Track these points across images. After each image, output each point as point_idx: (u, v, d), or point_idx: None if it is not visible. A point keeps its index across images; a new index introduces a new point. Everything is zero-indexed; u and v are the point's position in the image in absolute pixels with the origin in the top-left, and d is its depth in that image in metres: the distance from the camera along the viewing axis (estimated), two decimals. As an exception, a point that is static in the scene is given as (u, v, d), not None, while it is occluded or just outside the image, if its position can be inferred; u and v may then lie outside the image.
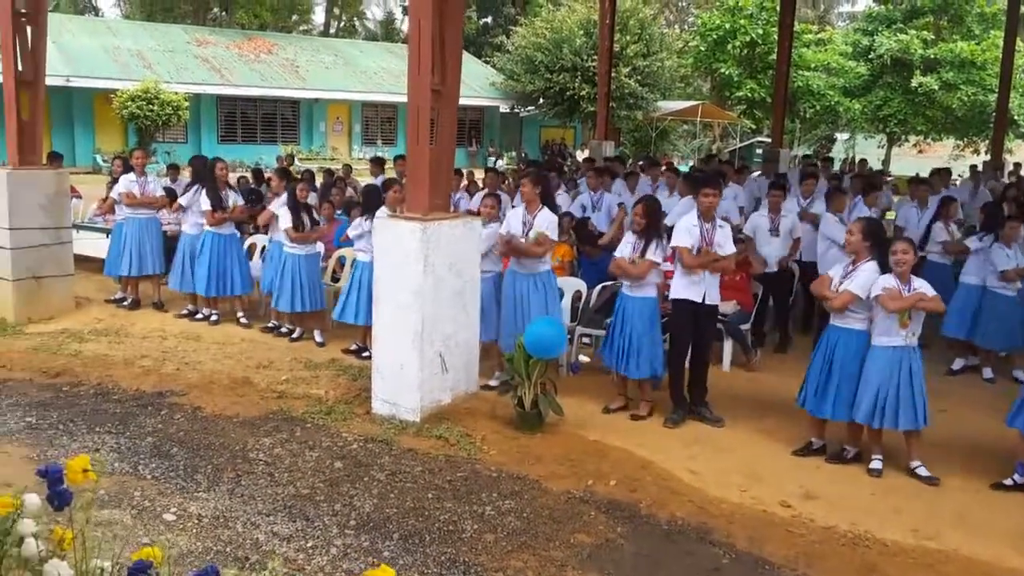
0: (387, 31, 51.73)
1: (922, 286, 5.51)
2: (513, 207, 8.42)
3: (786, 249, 8.49)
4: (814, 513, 4.98)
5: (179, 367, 7.33)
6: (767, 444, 6.07)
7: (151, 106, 26.00)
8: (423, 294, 6.05)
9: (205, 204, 8.55)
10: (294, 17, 46.96)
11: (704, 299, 6.33)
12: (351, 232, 7.91)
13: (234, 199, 8.88)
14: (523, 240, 6.82)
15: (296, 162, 25.04)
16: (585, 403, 6.70)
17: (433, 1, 6.07)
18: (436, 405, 6.28)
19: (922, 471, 5.52)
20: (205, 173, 8.73)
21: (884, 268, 5.55)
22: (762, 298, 8.33)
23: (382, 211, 7.35)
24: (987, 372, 7.88)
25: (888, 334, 5.48)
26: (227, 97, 30.71)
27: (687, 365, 6.50)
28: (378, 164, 12.33)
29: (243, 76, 30.94)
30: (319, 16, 50.66)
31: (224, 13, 43.65)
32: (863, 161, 19.32)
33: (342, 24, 50.81)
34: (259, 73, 31.58)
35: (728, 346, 7.77)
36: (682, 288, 6.35)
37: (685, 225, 6.41)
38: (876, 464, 5.61)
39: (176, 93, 26.90)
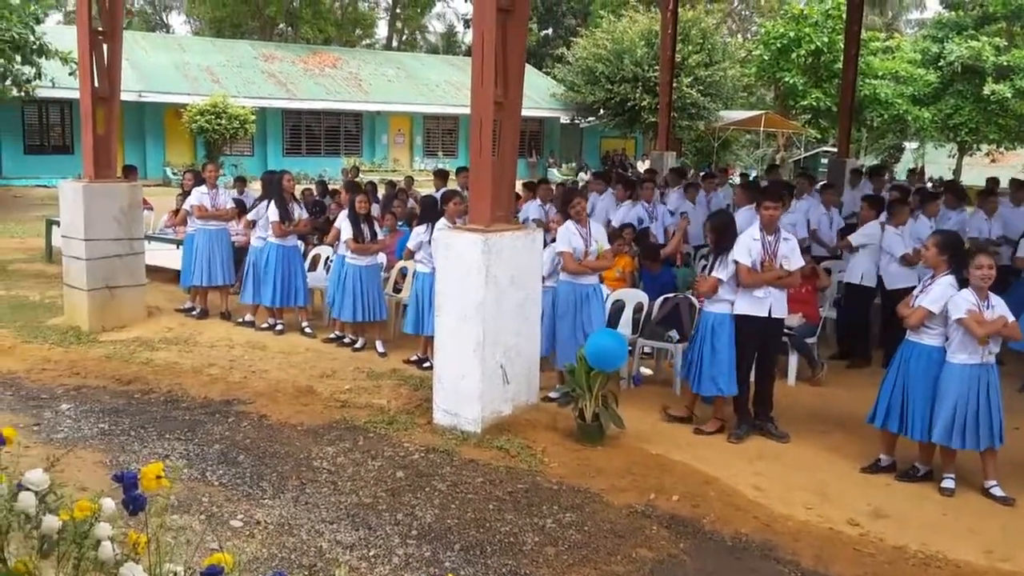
0: (448, 44, 52.28)
1: (999, 305, 5.33)
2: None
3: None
4: (883, 532, 4.85)
5: (246, 376, 7.47)
6: (834, 461, 5.93)
7: (219, 120, 26.69)
8: (484, 305, 6.07)
9: (273, 215, 8.72)
10: (358, 32, 47.70)
11: (770, 313, 6.22)
12: (410, 243, 7.99)
13: (299, 212, 9.04)
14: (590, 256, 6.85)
15: (359, 174, 25.42)
16: (646, 416, 6.64)
17: (497, 14, 6.12)
18: (497, 416, 6.28)
19: (997, 491, 5.34)
20: (273, 186, 8.91)
21: (961, 282, 5.38)
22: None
23: (441, 223, 7.41)
24: None
25: (966, 351, 5.31)
26: (292, 110, 31.33)
27: (752, 380, 6.39)
28: (441, 177, 12.31)
29: (308, 90, 31.55)
30: (382, 30, 51.41)
31: (290, 29, 44.59)
32: (913, 171, 18.56)
33: (404, 38, 51.48)
34: (323, 87, 32.16)
35: (794, 360, 7.62)
36: (746, 304, 6.24)
37: (745, 240, 6.30)
38: (948, 483, 5.44)
39: (243, 107, 27.56)
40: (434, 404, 6.42)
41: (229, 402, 6.76)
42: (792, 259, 6.28)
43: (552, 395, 6.96)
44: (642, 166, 27.31)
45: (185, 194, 9.85)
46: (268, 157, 30.50)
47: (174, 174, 25.56)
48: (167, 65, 30.18)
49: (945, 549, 4.66)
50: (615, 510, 5.02)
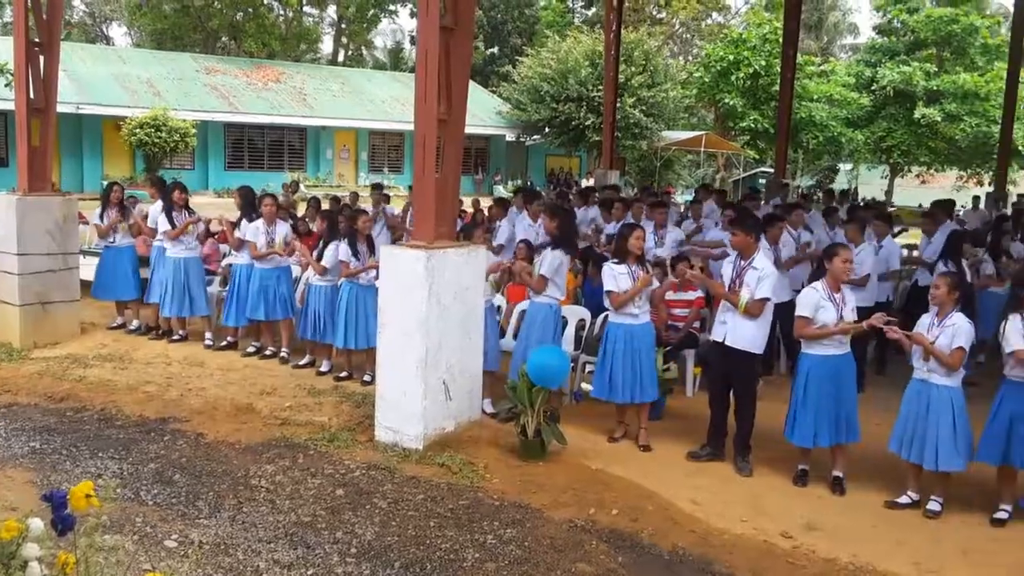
0: (395, 60, 52.20)
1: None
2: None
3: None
4: (816, 545, 4.97)
5: (182, 393, 7.35)
6: (769, 474, 6.05)
7: (159, 133, 26.25)
8: (427, 322, 6.08)
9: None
10: (302, 46, 47.33)
11: (724, 339, 6.16)
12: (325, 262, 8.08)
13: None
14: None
15: (302, 188, 25.22)
16: (588, 432, 6.70)
17: (440, 32, 6.17)
18: (439, 433, 6.28)
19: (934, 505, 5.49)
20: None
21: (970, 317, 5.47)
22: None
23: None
24: None
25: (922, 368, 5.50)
26: (235, 124, 30.96)
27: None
28: (379, 190, 12.45)
29: (251, 104, 31.21)
30: (327, 45, 51.16)
31: (233, 42, 44.09)
32: (845, 192, 19.14)
33: (350, 53, 51.26)
34: (267, 101, 31.85)
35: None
36: (714, 330, 6.33)
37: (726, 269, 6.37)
38: (934, 505, 5.49)
39: (184, 120, 27.16)
40: (376, 421, 6.39)
41: (165, 420, 6.64)
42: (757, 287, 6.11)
43: (489, 410, 7.00)
44: (586, 184, 27.58)
45: (107, 207, 9.48)
46: (209, 171, 30.10)
47: (112, 187, 25.00)
48: (106, 77, 29.61)
49: (875, 561, 4.79)
50: (555, 525, 5.05)
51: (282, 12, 45.12)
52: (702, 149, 32.64)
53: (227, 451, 6.04)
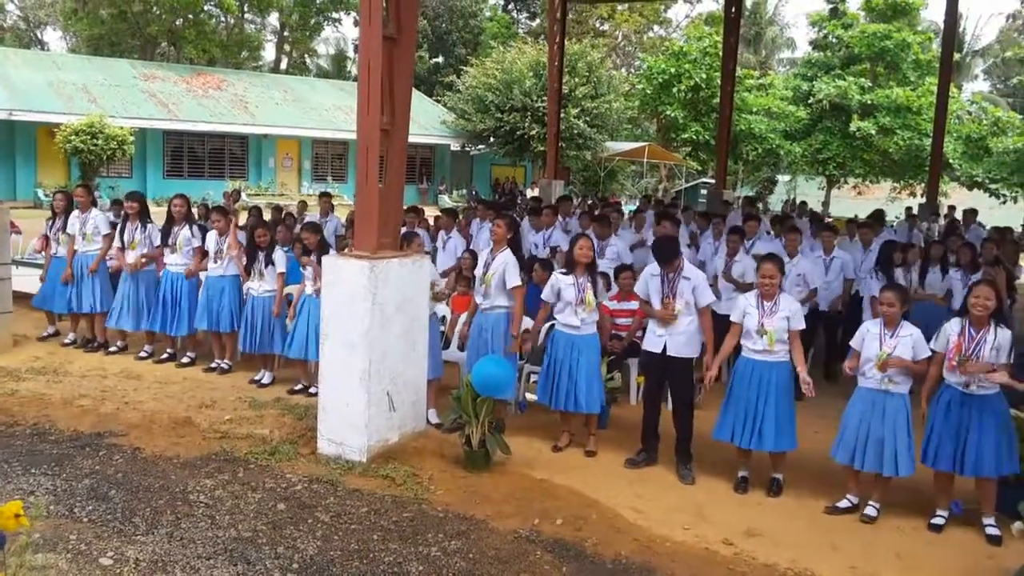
0: (338, 68, 51.83)
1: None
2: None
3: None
4: (756, 551, 5.05)
5: (119, 407, 7.17)
6: (711, 481, 6.14)
7: (95, 140, 25.63)
8: (371, 332, 6.04)
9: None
10: (244, 53, 46.73)
11: (665, 350, 6.28)
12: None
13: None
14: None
15: (244, 197, 24.87)
16: (533, 441, 6.72)
17: (383, 42, 6.15)
18: (383, 444, 6.24)
19: (870, 510, 5.63)
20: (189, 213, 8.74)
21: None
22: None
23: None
24: None
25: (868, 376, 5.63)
26: (174, 132, 30.42)
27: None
28: (327, 199, 12.51)
29: (191, 111, 30.70)
30: (270, 53, 50.65)
31: (172, 48, 43.34)
32: (803, 203, 19.73)
33: (293, 61, 50.76)
34: (207, 108, 31.37)
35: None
36: (646, 341, 6.41)
37: (644, 275, 6.52)
38: (871, 510, 5.64)
39: (121, 128, 26.57)
40: (318, 433, 6.32)
41: (101, 435, 6.47)
42: (692, 296, 6.27)
43: (433, 420, 6.99)
44: (531, 193, 27.71)
45: (55, 216, 9.35)
46: (148, 179, 29.50)
47: (45, 196, 24.38)
48: (40, 83, 28.85)
49: (813, 566, 4.89)
50: (500, 536, 5.05)
51: (223, 19, 44.51)
52: (645, 160, 33.07)
53: (165, 466, 5.91)
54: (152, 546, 4.67)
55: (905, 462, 5.49)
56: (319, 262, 7.41)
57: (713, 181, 23.49)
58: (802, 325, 5.95)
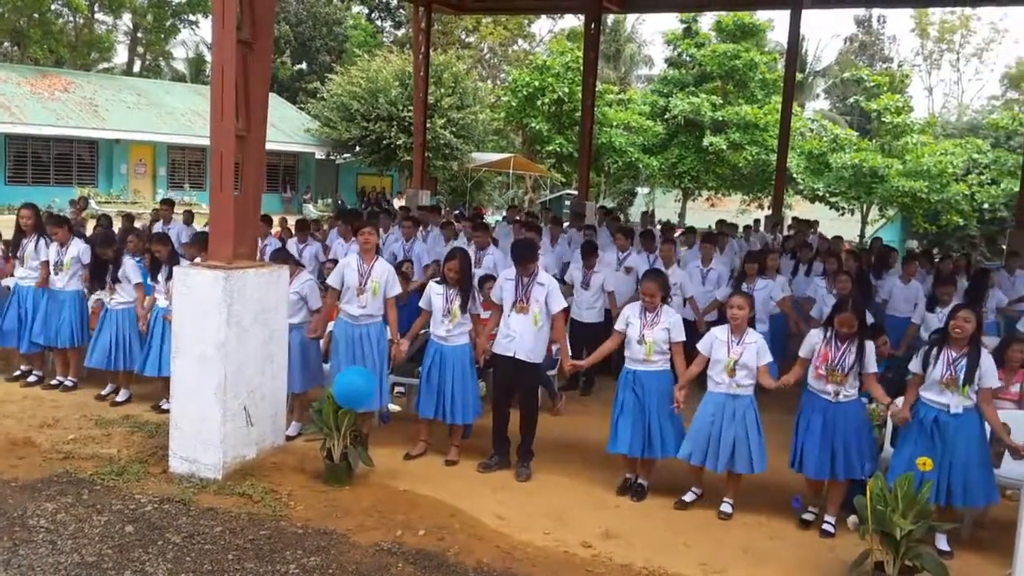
0: (195, 72, 49.91)
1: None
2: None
3: (599, 301, 8.96)
4: (613, 552, 5.19)
5: (-52, 429, 6.67)
6: (571, 486, 6.27)
7: (-75, 143, 23.75)
8: (226, 345, 5.86)
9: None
10: (94, 55, 44.31)
11: (515, 355, 6.40)
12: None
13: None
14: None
15: (92, 205, 23.59)
16: (396, 453, 6.67)
17: (237, 46, 6.00)
18: (240, 461, 6.05)
19: (726, 507, 5.88)
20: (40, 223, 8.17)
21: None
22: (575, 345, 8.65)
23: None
24: None
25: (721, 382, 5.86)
26: (17, 136, 28.50)
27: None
28: (168, 206, 12.28)
29: (35, 114, 28.87)
30: (122, 55, 48.23)
31: (16, 48, 40.66)
32: (645, 214, 20.14)
33: (147, 63, 48.54)
34: (53, 111, 29.57)
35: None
36: (497, 345, 6.49)
37: (500, 281, 6.63)
38: (726, 507, 5.89)
39: (-44, 130, 24.72)
40: (170, 451, 6.07)
41: (-74, 460, 6.00)
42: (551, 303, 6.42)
43: (290, 432, 6.85)
44: (398, 203, 27.56)
45: None
46: (-14, 185, 27.57)
47: None
48: None
49: (666, 564, 5.06)
50: (361, 550, 4.99)
51: (71, 18, 42.13)
52: (511, 171, 33.45)
53: (1, 490, 5.53)
54: (-17, 577, 4.37)
55: (758, 459, 5.79)
56: (170, 274, 7.13)
57: (576, 192, 24.02)
58: (682, 337, 6.11)
